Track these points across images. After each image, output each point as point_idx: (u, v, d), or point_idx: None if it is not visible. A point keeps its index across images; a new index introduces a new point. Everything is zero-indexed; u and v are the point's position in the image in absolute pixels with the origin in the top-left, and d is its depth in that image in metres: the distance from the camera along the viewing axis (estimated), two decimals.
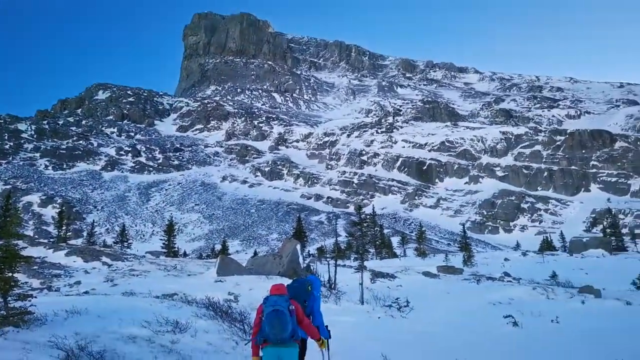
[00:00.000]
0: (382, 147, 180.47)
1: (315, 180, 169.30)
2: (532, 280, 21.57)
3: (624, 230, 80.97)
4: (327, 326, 6.48)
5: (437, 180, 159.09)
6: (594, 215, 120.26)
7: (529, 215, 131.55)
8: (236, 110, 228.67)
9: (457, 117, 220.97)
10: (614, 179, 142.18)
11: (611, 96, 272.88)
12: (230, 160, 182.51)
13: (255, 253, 66.50)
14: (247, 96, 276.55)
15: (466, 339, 10.89)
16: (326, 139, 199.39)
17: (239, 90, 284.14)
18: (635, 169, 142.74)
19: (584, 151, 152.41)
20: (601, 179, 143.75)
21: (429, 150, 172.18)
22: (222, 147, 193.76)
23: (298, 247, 22.23)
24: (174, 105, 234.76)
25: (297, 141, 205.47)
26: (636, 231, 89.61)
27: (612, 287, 19.26)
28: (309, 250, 65.20)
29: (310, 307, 6.38)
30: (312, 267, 25.32)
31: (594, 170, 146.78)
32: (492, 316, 13.13)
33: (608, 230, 68.07)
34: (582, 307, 14.43)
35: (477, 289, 17.73)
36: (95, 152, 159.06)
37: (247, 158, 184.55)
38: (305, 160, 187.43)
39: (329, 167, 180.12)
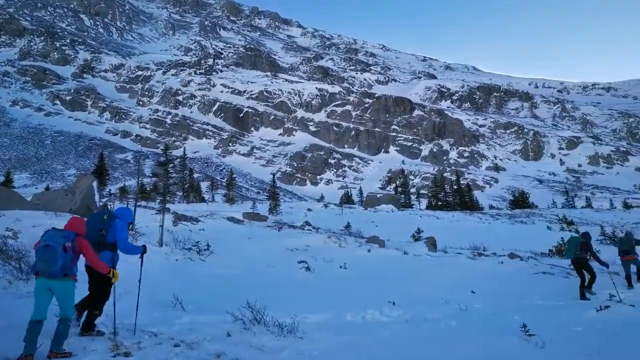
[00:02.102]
0: (200, 90, 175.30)
1: (123, 116, 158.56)
2: (330, 229, 22.98)
3: (412, 190, 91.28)
4: (144, 245, 6.87)
5: (252, 129, 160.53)
6: (389, 175, 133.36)
7: (335, 170, 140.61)
8: (34, 27, 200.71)
9: (278, 69, 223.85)
10: (409, 144, 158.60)
11: (415, 68, 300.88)
12: (24, 83, 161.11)
13: (48, 188, 60.30)
14: (49, 13, 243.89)
15: (261, 281, 11.16)
16: (139, 73, 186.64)
17: (39, 4, 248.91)
18: (427, 136, 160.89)
19: (387, 115, 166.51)
20: (399, 142, 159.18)
21: (247, 98, 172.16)
22: (14, 67, 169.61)
23: (94, 183, 20.53)
24: None
25: (106, 71, 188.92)
26: (422, 191, 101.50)
27: (395, 238, 21.42)
28: (110, 190, 61.27)
29: (113, 235, 6.38)
30: (109, 206, 23.70)
31: (394, 133, 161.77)
32: (288, 261, 13.66)
33: (399, 189, 76.06)
34: (368, 254, 15.82)
35: (278, 236, 18.31)
36: None
37: (44, 83, 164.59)
38: (114, 93, 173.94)
39: (141, 103, 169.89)
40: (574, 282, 13.14)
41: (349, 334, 7.76)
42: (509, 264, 15.14)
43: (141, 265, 6.88)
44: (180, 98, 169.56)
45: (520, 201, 64.07)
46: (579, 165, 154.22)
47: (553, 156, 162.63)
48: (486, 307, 10.34)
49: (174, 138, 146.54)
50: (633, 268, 12.91)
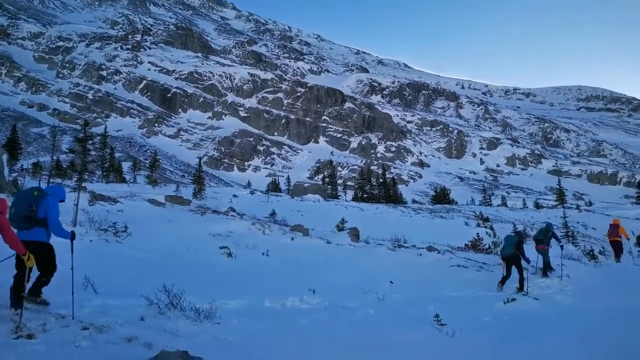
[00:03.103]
0: (126, 66, 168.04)
1: (41, 88, 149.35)
2: (255, 216, 22.80)
3: (340, 181, 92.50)
4: (72, 231, 6.85)
5: (180, 110, 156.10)
6: (318, 165, 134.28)
7: (264, 158, 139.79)
8: None
9: (209, 50, 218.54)
10: (339, 135, 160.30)
11: (348, 60, 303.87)
12: None
13: None
14: None
15: (181, 265, 10.91)
16: (61, 43, 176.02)
17: None
18: (356, 129, 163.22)
19: (318, 106, 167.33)
20: (329, 133, 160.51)
21: (176, 79, 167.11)
22: None
23: (4, 157, 19.24)
24: None
25: (24, 39, 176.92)
26: (348, 183, 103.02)
27: (320, 227, 21.59)
28: (22, 165, 57.58)
29: (44, 211, 6.38)
30: (19, 182, 22.27)
31: (325, 124, 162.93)
32: (210, 246, 13.43)
33: (327, 179, 76.76)
34: (291, 242, 15.85)
35: (200, 220, 17.95)
36: None
37: None
38: (32, 63, 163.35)
39: (61, 75, 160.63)
40: (485, 275, 13.83)
41: (267, 321, 7.73)
42: (427, 257, 15.66)
43: (72, 251, 6.82)
44: (104, 73, 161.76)
45: (441, 197, 66.60)
46: (497, 165, 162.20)
47: (474, 155, 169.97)
48: (403, 297, 10.64)
49: (95, 114, 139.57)
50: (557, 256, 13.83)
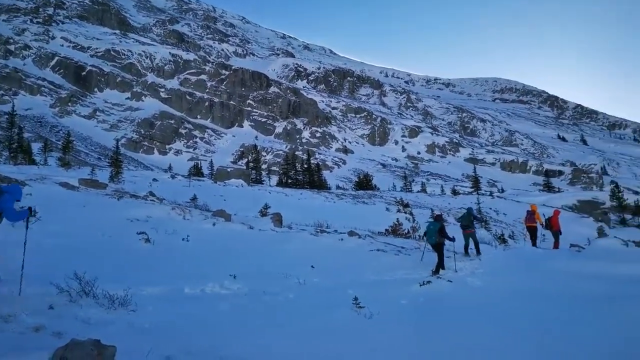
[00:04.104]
0: (36, 40, 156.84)
1: None
2: (175, 201, 22.25)
3: (264, 166, 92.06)
4: (29, 207, 7.55)
5: (96, 89, 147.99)
6: (242, 149, 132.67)
7: (186, 141, 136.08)
8: None
9: (128, 28, 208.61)
10: (263, 119, 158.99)
11: (274, 44, 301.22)
12: None
13: None
14: None
15: (95, 251, 10.47)
16: None
17: None
18: (281, 114, 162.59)
19: (243, 89, 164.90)
20: (254, 117, 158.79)
21: (92, 56, 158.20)
22: None
23: None
24: None
25: None
26: (273, 168, 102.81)
27: (243, 213, 21.44)
28: None
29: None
30: None
31: (249, 108, 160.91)
32: (126, 232, 12.96)
33: (251, 164, 76.18)
34: (213, 228, 15.62)
35: (117, 205, 17.26)
36: None
37: None
38: None
39: None
40: (403, 259, 14.33)
41: (186, 307, 7.61)
42: (348, 241, 15.97)
43: (26, 228, 7.42)
44: (11, 47, 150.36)
45: (364, 183, 67.95)
46: (418, 153, 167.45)
47: (397, 143, 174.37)
48: (324, 281, 10.82)
49: (1, 92, 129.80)
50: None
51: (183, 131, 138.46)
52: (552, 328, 7.82)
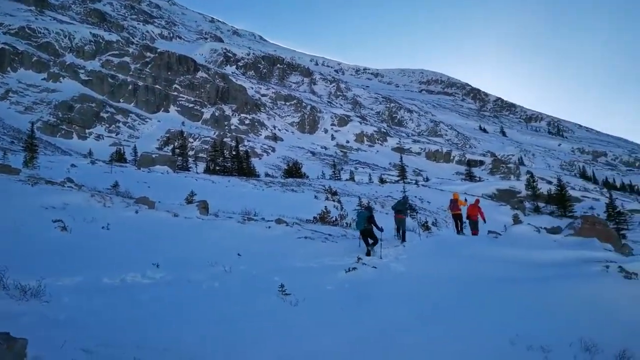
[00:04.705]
0: None
1: None
2: (95, 188, 21.28)
3: (191, 153, 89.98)
4: None
5: (9, 69, 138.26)
6: (168, 135, 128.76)
7: (107, 125, 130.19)
8: None
9: (45, 4, 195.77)
10: (191, 105, 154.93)
11: (202, 28, 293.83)
12: None
13: None
14: None
15: (5, 241, 9.83)
16: None
17: None
18: (209, 100, 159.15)
19: (169, 73, 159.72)
20: (180, 102, 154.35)
21: (5, 33, 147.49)
22: None
23: None
24: None
25: None
26: (200, 155, 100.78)
27: (168, 200, 20.84)
28: None
29: None
30: None
31: (176, 93, 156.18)
32: (41, 220, 12.27)
33: (177, 150, 74.25)
34: (135, 215, 15.09)
35: (31, 191, 16.26)
36: None
37: None
38: None
39: None
40: (330, 246, 14.50)
41: (104, 297, 7.33)
42: (276, 229, 15.95)
43: None
44: None
45: (293, 171, 68.00)
46: (347, 142, 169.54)
47: (326, 131, 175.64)
48: (250, 268, 10.75)
49: None
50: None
51: (105, 115, 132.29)
52: (465, 308, 8.29)
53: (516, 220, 32.19)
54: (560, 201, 48.74)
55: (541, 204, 52.53)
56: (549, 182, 71.46)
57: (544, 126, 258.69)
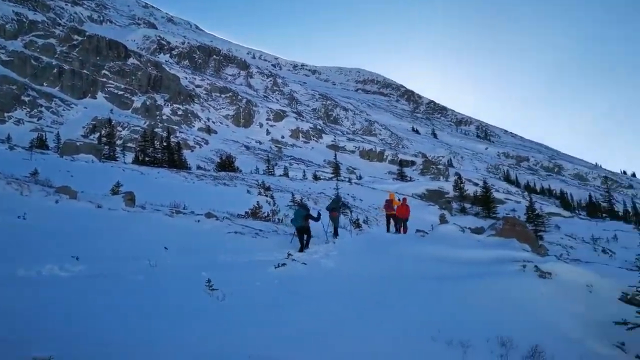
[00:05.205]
0: None
1: None
2: (12, 175, 19.99)
3: (119, 142, 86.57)
4: None
5: None
6: (94, 122, 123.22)
7: (29, 110, 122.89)
8: None
9: None
10: (120, 92, 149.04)
11: (135, 13, 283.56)
12: None
13: None
14: None
15: None
16: None
17: None
18: (141, 88, 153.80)
19: (98, 58, 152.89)
20: (109, 89, 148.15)
21: None
22: None
23: None
24: None
25: None
26: (129, 144, 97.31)
27: (92, 190, 19.91)
28: None
29: None
30: None
31: (104, 79, 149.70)
32: None
33: (104, 139, 71.24)
34: (55, 205, 14.29)
35: None
36: None
37: None
38: None
39: None
40: (261, 242, 14.38)
41: (15, 290, 6.83)
42: (205, 223, 15.61)
43: None
44: None
45: (226, 164, 66.97)
46: (282, 137, 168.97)
47: (261, 125, 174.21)
48: (177, 263, 10.45)
49: None
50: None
51: (26, 99, 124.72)
52: (390, 306, 8.49)
53: (443, 220, 33.28)
54: (485, 203, 50.75)
55: (467, 205, 54.54)
56: (476, 184, 74.37)
57: (472, 130, 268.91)
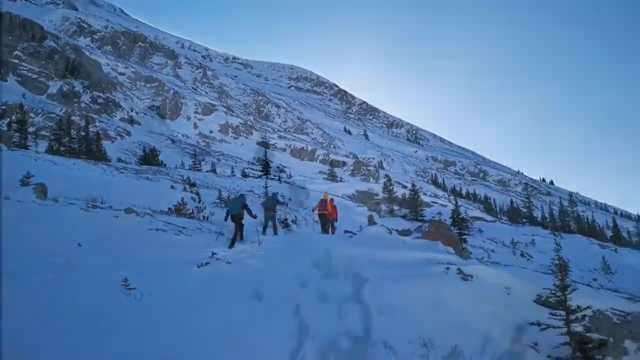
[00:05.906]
0: None
1: None
2: None
3: (31, 129, 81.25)
4: None
5: None
6: (4, 108, 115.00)
7: None
8: None
9: None
10: (34, 76, 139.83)
11: None
12: None
13: None
14: None
15: None
16: None
17: None
18: (57, 72, 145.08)
19: (10, 38, 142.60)
20: (21, 72, 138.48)
21: None
22: None
23: None
24: None
25: None
26: (42, 132, 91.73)
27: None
28: None
29: None
30: None
31: (17, 61, 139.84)
32: None
33: (14, 125, 66.57)
34: None
35: None
36: None
37: None
38: None
39: None
40: (184, 240, 13.82)
41: None
42: (125, 219, 14.83)
43: None
44: None
45: (150, 158, 64.50)
46: (211, 132, 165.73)
47: (189, 119, 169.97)
48: (92, 261, 9.83)
49: None
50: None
51: None
52: (312, 307, 8.50)
53: (371, 222, 33.63)
54: (413, 205, 51.97)
55: (396, 207, 55.71)
56: (404, 187, 76.25)
57: (403, 133, 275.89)
